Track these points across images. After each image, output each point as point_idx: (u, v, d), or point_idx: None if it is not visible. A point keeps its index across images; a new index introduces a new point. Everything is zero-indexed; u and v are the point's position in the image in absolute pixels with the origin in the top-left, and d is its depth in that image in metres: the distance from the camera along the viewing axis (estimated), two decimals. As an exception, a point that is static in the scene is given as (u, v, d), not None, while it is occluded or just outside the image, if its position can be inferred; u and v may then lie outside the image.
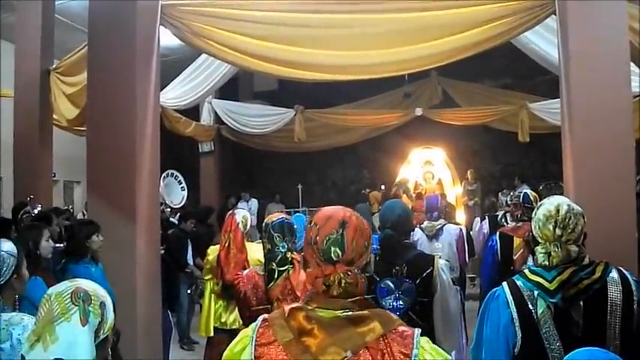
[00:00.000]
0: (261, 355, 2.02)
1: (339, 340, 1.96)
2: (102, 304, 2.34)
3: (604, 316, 2.88)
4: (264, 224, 4.09)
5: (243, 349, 2.07)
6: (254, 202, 17.16)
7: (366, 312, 2.02)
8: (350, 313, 2.01)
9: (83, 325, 2.22)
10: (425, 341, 2.03)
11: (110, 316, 2.37)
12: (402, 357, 1.96)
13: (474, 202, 15.15)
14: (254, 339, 2.06)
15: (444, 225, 7.52)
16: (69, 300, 2.25)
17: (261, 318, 2.13)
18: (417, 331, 2.05)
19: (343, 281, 2.03)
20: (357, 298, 2.06)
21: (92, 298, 2.31)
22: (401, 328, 2.04)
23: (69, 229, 6.36)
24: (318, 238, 2.10)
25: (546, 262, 2.99)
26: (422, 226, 7.41)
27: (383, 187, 15.57)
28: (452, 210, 10.12)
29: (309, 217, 2.08)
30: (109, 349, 2.42)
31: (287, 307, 2.09)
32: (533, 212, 3.15)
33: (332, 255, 2.06)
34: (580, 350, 2.22)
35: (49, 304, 2.25)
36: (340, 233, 2.08)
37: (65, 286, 2.33)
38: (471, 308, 8.05)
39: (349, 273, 2.05)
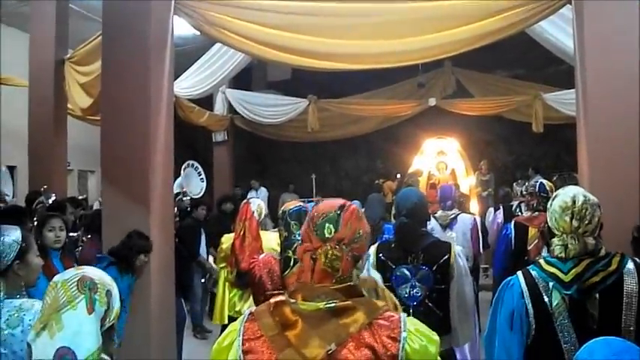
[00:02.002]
0: (249, 349, 2.03)
1: (321, 332, 1.96)
2: (108, 293, 2.35)
3: (619, 309, 2.87)
4: (280, 212, 4.07)
5: (231, 343, 2.08)
6: (263, 191, 17.09)
7: (349, 302, 2.01)
8: (333, 304, 2.00)
9: (89, 314, 2.25)
10: (412, 324, 2.02)
11: (116, 304, 2.39)
12: (389, 342, 1.96)
13: (487, 193, 15.11)
14: (241, 333, 2.07)
15: (458, 214, 7.52)
16: (75, 288, 2.27)
17: (247, 312, 2.16)
18: (404, 315, 2.06)
19: (329, 252, 2.05)
20: (342, 285, 2.06)
21: (98, 286, 2.33)
22: (387, 314, 2.03)
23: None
24: (315, 213, 2.16)
25: (563, 255, 2.97)
26: (436, 215, 7.41)
27: (399, 175, 15.51)
28: (466, 200, 10.11)
29: (294, 215, 2.08)
30: (115, 339, 2.44)
31: (272, 301, 2.10)
32: (549, 203, 3.13)
33: (325, 231, 2.10)
34: (598, 339, 2.22)
35: (55, 292, 2.27)
36: (337, 213, 2.13)
37: (71, 273, 2.35)
38: (484, 299, 8.03)
39: (337, 247, 2.07)
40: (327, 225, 2.10)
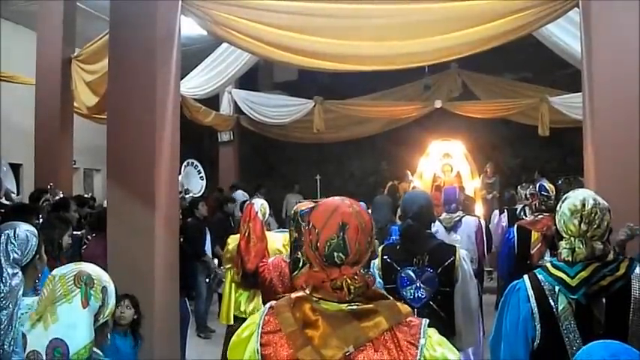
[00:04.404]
0: (267, 342, 2.02)
1: (341, 334, 1.94)
2: (104, 289, 2.38)
3: (626, 314, 2.85)
4: (292, 212, 4.05)
5: (250, 335, 2.07)
6: (239, 195, 15.17)
7: (371, 305, 1.99)
8: (355, 307, 1.98)
9: (84, 308, 2.29)
10: (433, 331, 2.00)
11: (111, 301, 2.42)
12: (408, 346, 1.93)
13: (492, 196, 15.08)
14: (260, 326, 2.06)
15: (463, 217, 7.51)
16: (72, 282, 2.31)
17: (268, 305, 2.14)
18: (425, 321, 2.02)
19: (352, 287, 1.98)
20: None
21: (95, 281, 2.36)
22: (409, 319, 2.01)
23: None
24: (319, 244, 2.04)
25: (570, 258, 2.95)
26: (440, 218, 7.40)
27: (410, 177, 15.53)
28: (471, 203, 10.09)
29: (307, 217, 1.91)
30: (107, 335, 2.46)
31: (293, 296, 2.09)
32: (558, 206, 3.10)
33: (335, 259, 2.02)
34: (596, 342, 2.22)
35: (52, 285, 2.31)
36: (341, 237, 2.02)
37: (69, 268, 2.39)
38: (488, 302, 8.05)
39: (356, 277, 2.00)
40: (335, 254, 2.02)
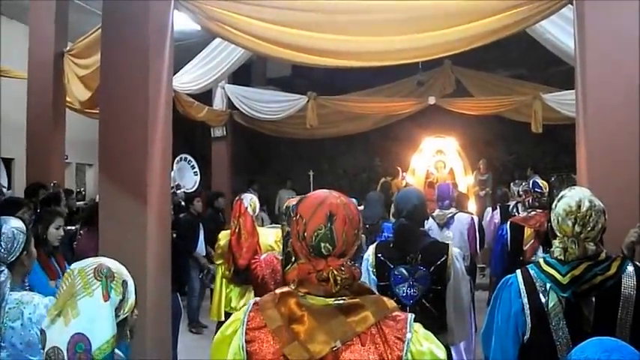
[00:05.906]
0: (253, 339, 2.01)
1: (328, 329, 1.93)
2: (124, 283, 2.35)
3: (615, 313, 2.87)
4: (284, 207, 4.04)
5: (235, 332, 2.06)
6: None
7: (357, 300, 1.99)
8: (341, 301, 1.98)
9: (105, 301, 2.23)
10: (418, 326, 2.00)
11: (131, 296, 2.39)
12: (395, 341, 1.94)
13: (485, 193, 15.11)
14: (245, 323, 2.05)
15: (456, 213, 7.53)
16: (92, 275, 2.26)
17: (252, 302, 2.12)
18: (411, 315, 2.02)
19: (339, 278, 1.97)
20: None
21: (115, 275, 2.33)
22: (395, 314, 2.00)
23: None
24: (306, 234, 2.05)
25: (562, 257, 2.96)
26: (433, 214, 7.41)
27: (403, 174, 15.55)
28: (465, 199, 10.10)
29: (295, 207, 1.92)
30: (128, 333, 2.43)
31: (278, 291, 2.08)
32: (554, 204, 3.11)
33: (322, 250, 2.02)
34: (592, 340, 2.21)
35: (71, 279, 2.25)
36: (329, 228, 2.02)
37: (88, 262, 2.34)
38: (480, 298, 8.06)
39: (342, 268, 2.00)
40: (322, 244, 2.02)
